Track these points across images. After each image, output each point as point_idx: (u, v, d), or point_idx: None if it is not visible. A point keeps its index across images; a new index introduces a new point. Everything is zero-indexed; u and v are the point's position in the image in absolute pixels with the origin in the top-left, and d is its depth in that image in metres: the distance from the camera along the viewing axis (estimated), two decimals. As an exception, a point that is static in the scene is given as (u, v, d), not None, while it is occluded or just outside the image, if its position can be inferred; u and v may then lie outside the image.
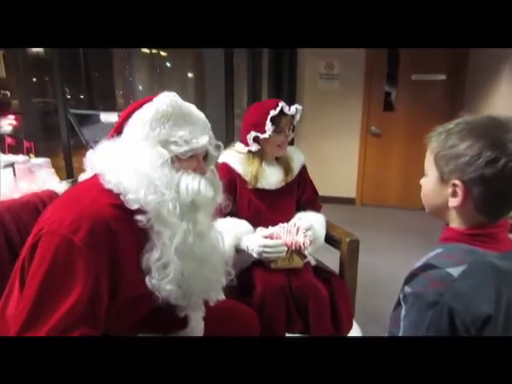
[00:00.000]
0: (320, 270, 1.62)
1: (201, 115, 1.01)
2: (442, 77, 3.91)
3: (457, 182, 0.69)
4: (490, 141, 0.65)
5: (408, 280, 0.72)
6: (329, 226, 1.68)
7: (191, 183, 0.92)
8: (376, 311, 2.24)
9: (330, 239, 1.67)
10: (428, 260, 0.72)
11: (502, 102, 3.07)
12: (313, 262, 1.65)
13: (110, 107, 3.52)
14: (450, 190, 0.71)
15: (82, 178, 0.99)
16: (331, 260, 1.80)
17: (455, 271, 0.66)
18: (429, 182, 0.76)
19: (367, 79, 4.08)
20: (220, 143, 1.05)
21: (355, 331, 1.58)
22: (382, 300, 2.39)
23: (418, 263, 0.74)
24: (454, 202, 0.71)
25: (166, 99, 0.93)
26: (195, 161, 0.96)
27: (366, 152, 4.32)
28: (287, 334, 1.43)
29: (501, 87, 3.10)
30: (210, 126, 1.02)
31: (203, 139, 0.95)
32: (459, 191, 0.69)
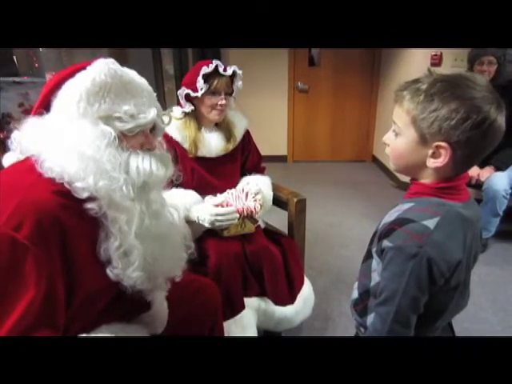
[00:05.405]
0: (270, 232, 1.63)
1: (144, 83, 0.89)
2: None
3: (442, 144, 0.69)
4: (473, 103, 0.66)
5: (386, 234, 0.74)
6: (275, 188, 1.68)
7: (141, 164, 0.84)
8: (320, 264, 2.36)
9: (276, 201, 1.68)
10: (402, 215, 0.74)
11: (420, 53, 3.26)
12: (262, 225, 1.65)
13: (10, 72, 3.04)
14: (430, 151, 0.71)
15: (9, 160, 0.84)
16: (276, 220, 1.82)
17: (431, 223, 0.70)
18: (403, 142, 0.75)
19: (291, 34, 4.04)
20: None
21: (307, 287, 1.64)
22: (324, 252, 2.52)
23: (390, 217, 0.76)
24: (436, 163, 0.71)
25: (103, 68, 0.80)
26: (142, 136, 0.87)
27: (294, 109, 4.37)
28: (245, 299, 1.44)
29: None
30: (155, 94, 0.92)
31: (151, 113, 0.86)
32: (444, 153, 0.70)
